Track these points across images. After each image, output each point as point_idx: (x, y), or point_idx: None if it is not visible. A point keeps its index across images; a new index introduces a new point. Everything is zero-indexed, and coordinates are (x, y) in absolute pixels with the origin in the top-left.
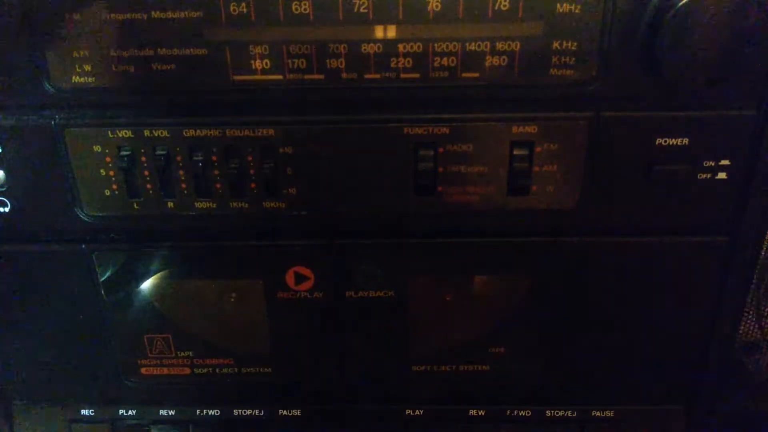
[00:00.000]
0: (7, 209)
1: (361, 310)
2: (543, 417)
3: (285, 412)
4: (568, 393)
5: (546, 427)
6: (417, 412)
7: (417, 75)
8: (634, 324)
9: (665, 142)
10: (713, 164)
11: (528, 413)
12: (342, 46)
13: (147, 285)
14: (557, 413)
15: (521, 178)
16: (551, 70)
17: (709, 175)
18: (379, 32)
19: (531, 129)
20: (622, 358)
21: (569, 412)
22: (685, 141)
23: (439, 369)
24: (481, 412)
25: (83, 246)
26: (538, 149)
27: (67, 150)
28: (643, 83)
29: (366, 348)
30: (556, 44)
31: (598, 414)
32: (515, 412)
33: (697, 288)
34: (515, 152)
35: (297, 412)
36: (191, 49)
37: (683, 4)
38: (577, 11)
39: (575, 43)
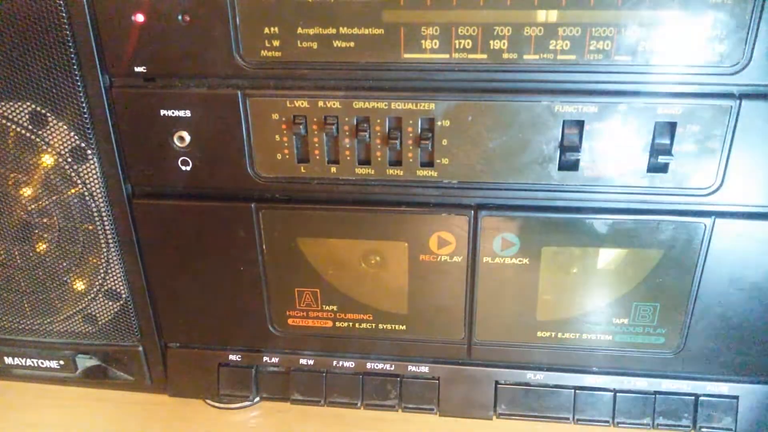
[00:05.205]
0: (189, 168)
1: (494, 275)
2: (659, 388)
3: (414, 368)
4: (685, 367)
5: (660, 399)
6: (538, 377)
7: (573, 57)
8: (756, 302)
9: None
10: None
11: (645, 384)
12: (506, 28)
13: (304, 242)
14: (672, 385)
15: (662, 156)
16: (700, 56)
17: None
18: (541, 16)
19: (675, 110)
20: (742, 335)
21: (684, 385)
22: None
23: (563, 336)
24: (599, 380)
25: (252, 204)
26: (680, 130)
27: (249, 117)
28: None
29: (496, 312)
30: (707, 32)
31: (712, 389)
32: (632, 383)
33: None
34: (658, 131)
35: (425, 369)
36: (370, 29)
37: None
38: (729, 1)
39: (725, 32)
